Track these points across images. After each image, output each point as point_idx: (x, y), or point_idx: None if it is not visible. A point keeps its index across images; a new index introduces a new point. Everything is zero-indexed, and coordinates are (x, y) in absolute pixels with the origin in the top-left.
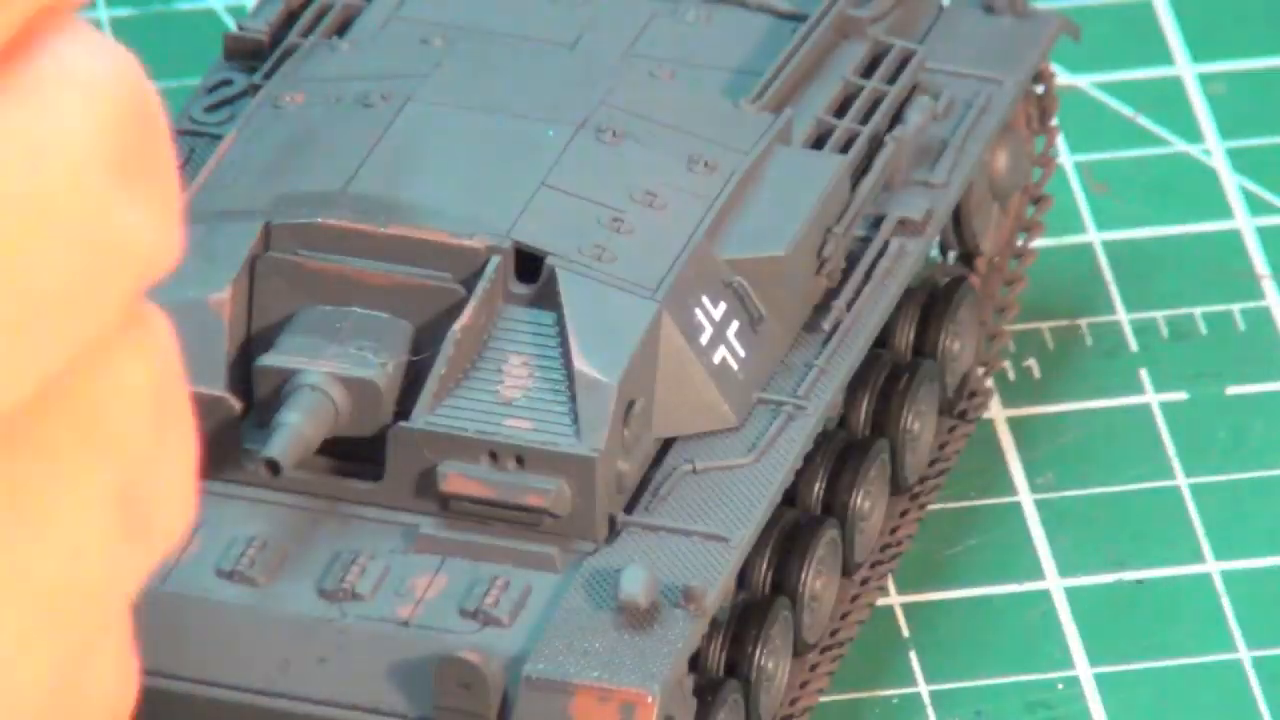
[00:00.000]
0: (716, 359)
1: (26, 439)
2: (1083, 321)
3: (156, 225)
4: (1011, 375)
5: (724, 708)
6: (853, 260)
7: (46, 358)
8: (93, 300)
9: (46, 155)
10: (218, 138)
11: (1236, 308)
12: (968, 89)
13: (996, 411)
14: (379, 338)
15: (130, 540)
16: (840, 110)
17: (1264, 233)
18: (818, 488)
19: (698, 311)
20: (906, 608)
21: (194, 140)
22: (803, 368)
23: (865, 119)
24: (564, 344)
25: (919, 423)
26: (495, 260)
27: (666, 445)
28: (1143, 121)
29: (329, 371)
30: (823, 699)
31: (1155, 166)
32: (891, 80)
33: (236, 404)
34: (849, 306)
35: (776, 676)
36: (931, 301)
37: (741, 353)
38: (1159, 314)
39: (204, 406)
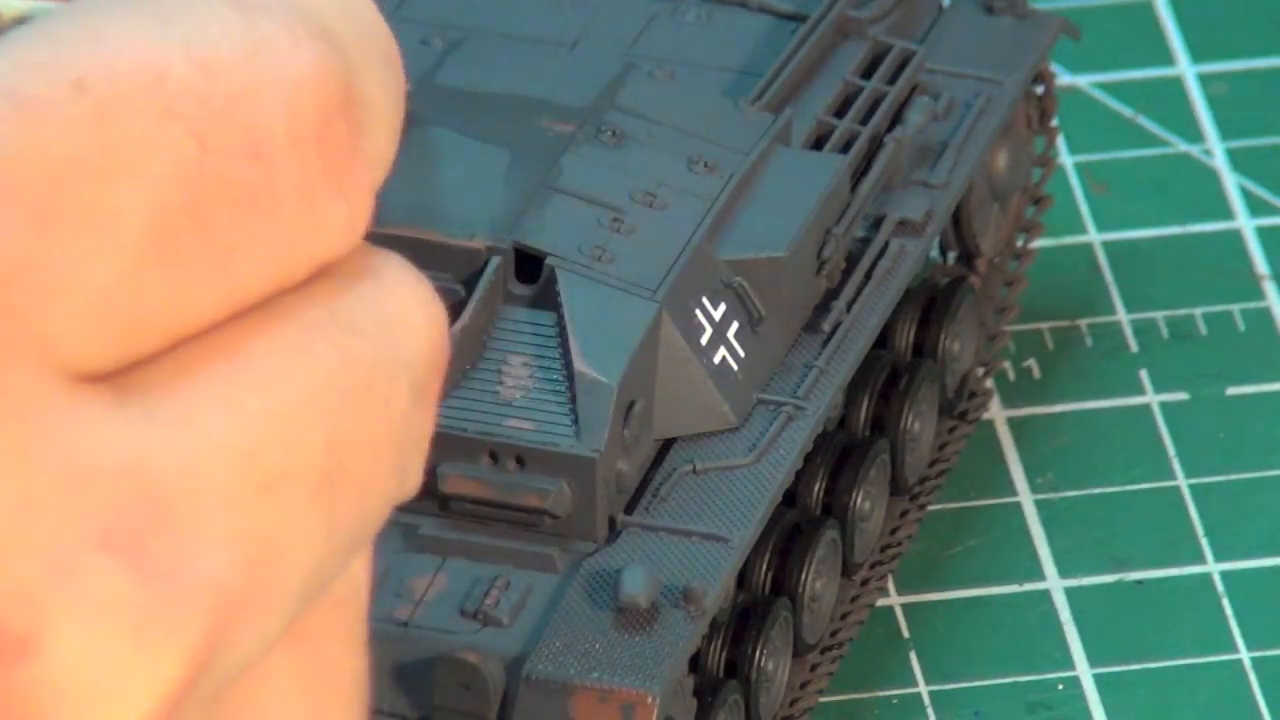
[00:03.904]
0: (716, 359)
1: (303, 631)
2: (1083, 321)
3: (420, 466)
4: (1011, 375)
5: (724, 708)
6: (853, 261)
7: (355, 536)
8: (385, 500)
9: (403, 345)
10: None
11: (1236, 308)
12: (968, 89)
13: (996, 411)
14: None
15: None
16: (840, 110)
17: (1264, 233)
18: (818, 488)
19: (698, 312)
20: (906, 608)
21: None
22: (803, 368)
23: (865, 119)
24: (564, 344)
25: (919, 423)
26: (495, 260)
27: (666, 446)
28: (1143, 121)
29: None
30: (823, 699)
31: (1155, 166)
32: (891, 80)
33: None
34: (849, 307)
35: (776, 677)
36: (931, 302)
37: (741, 353)
38: (1159, 314)
39: None
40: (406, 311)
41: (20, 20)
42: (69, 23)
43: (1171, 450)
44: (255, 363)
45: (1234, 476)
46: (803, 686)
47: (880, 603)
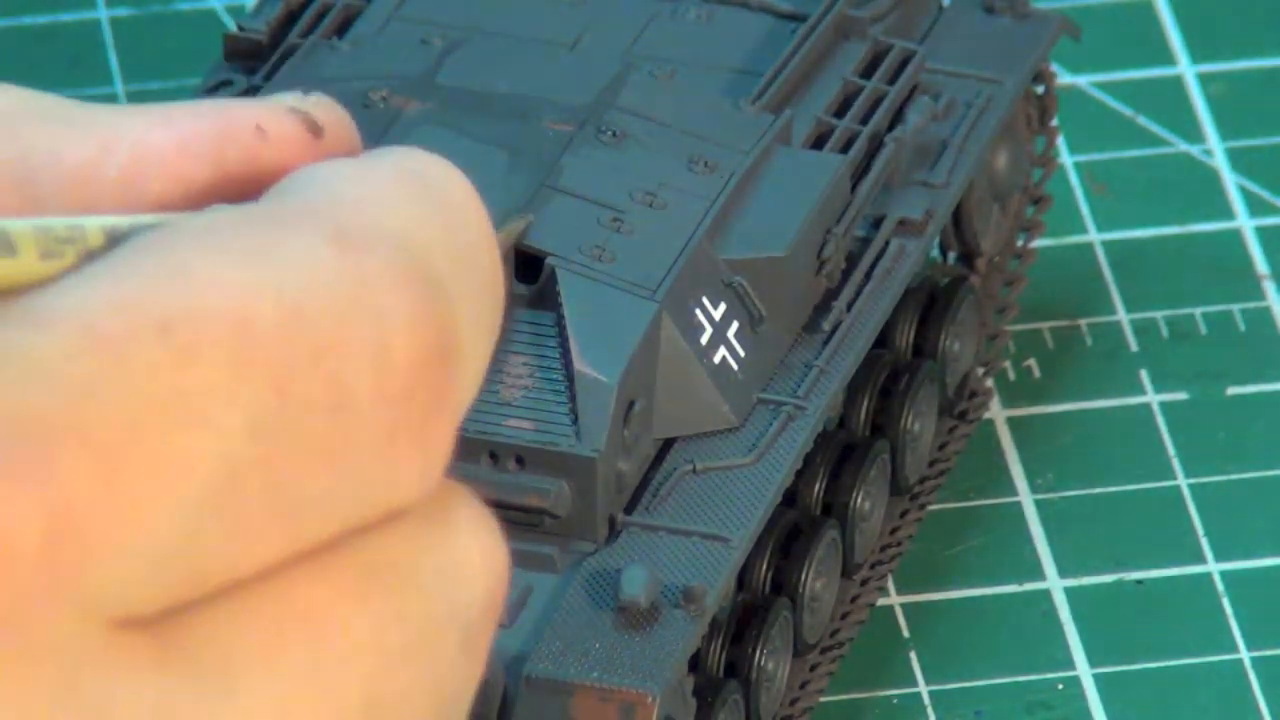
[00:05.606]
0: (716, 359)
1: None
2: (1083, 321)
3: (464, 713)
4: (1011, 375)
5: (724, 708)
6: (853, 260)
7: None
8: None
9: (459, 596)
10: None
11: (1236, 308)
12: (968, 89)
13: (996, 411)
14: None
15: None
16: (840, 110)
17: (1264, 233)
18: (818, 488)
19: (698, 311)
20: (906, 608)
21: None
22: (803, 368)
23: (865, 119)
24: (564, 344)
25: (919, 423)
26: None
27: (666, 445)
28: (1143, 121)
29: None
30: (823, 699)
31: (1155, 166)
32: (891, 80)
33: None
34: (849, 307)
35: (776, 677)
36: (931, 301)
37: (741, 353)
38: (1159, 314)
39: None
40: (469, 557)
41: (112, 237)
42: (162, 256)
43: (1171, 450)
44: (306, 615)
45: (1234, 476)
46: (803, 686)
47: (880, 603)
